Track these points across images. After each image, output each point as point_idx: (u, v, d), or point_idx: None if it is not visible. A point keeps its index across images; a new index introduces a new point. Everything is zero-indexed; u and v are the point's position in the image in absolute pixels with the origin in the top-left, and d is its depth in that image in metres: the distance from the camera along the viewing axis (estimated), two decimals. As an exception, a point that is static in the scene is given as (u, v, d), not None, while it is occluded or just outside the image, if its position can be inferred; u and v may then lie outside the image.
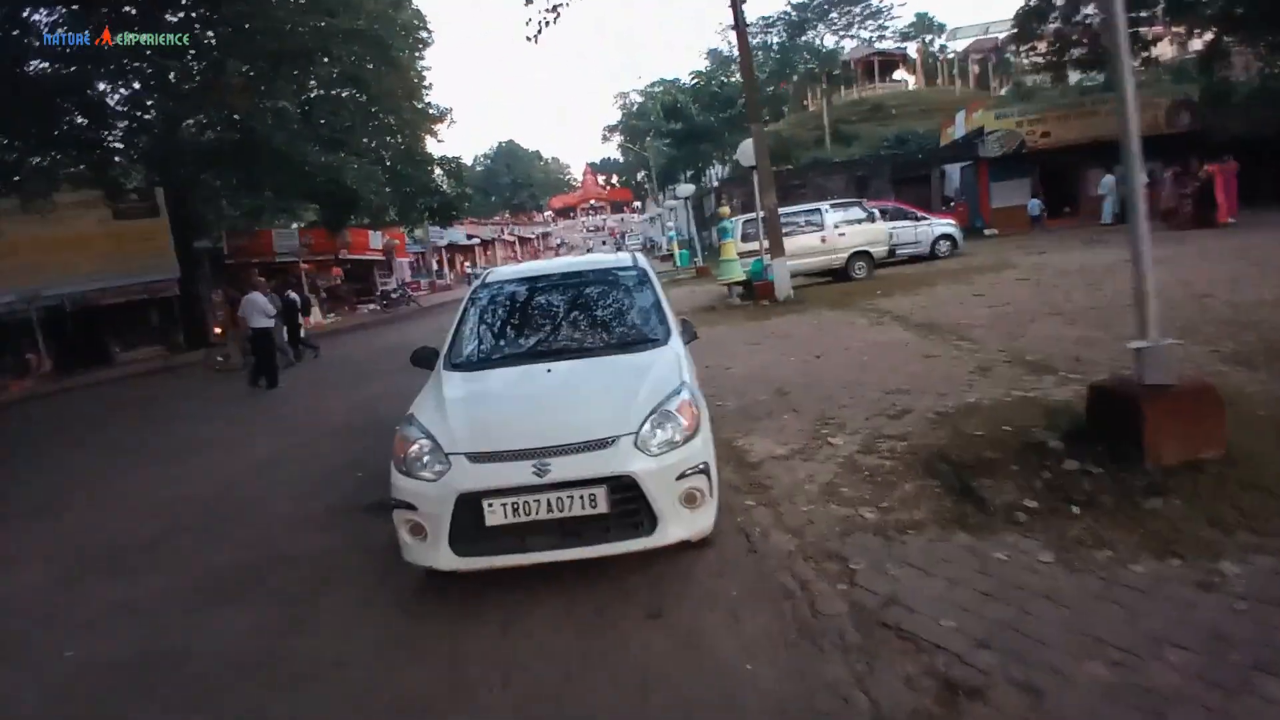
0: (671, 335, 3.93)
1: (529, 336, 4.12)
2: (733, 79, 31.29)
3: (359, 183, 18.87)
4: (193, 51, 16.92)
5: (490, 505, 2.90)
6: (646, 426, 3.05)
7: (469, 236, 49.96)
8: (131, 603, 3.79)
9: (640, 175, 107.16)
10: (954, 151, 27.18)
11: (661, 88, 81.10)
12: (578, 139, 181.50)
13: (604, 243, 40.85)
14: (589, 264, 4.89)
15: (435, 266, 41.47)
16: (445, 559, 2.97)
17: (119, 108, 18.26)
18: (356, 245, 30.81)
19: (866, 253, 14.18)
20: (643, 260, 4.71)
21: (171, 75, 17.04)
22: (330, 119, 21.48)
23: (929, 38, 61.59)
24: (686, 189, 21.82)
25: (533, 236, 77.18)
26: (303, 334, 14.00)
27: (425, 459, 3.09)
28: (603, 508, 2.91)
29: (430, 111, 26.43)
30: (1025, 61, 39.18)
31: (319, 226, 27.42)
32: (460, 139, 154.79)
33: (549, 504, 2.90)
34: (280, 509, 5.04)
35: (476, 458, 3.00)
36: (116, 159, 20.38)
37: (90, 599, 3.94)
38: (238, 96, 17.00)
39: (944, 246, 16.32)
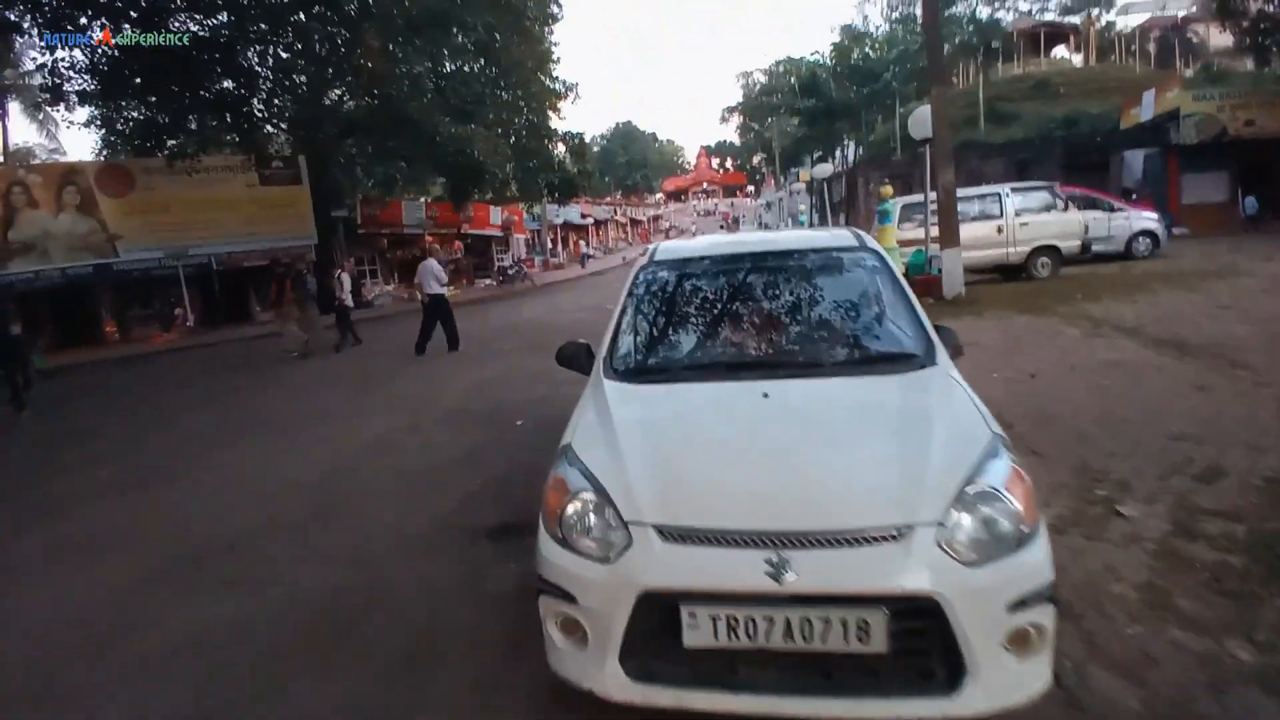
0: (937, 350, 2.67)
1: (725, 339, 2.97)
2: (877, 53, 28.68)
3: (486, 154, 18.50)
4: (335, 18, 17.00)
5: (693, 616, 1.81)
6: (955, 513, 1.84)
7: (583, 216, 49.88)
8: (185, 644, 3.01)
9: (757, 159, 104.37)
10: (1138, 136, 23.56)
11: (784, 67, 77.97)
12: (693, 121, 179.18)
13: (721, 227, 39.12)
14: (795, 240, 3.67)
15: (550, 245, 41.54)
16: (613, 683, 1.91)
17: (265, 73, 18.76)
18: (478, 220, 31.14)
19: (1054, 248, 12.03)
20: (870, 239, 3.46)
21: (315, 40, 17.24)
22: (461, 90, 21.32)
23: (1095, 11, 55.05)
24: (824, 169, 19.96)
25: (644, 219, 76.65)
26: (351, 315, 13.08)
27: (592, 525, 2.04)
28: (877, 644, 1.73)
29: (556, 87, 25.92)
30: (1220, 43, 33.83)
31: (444, 200, 27.80)
32: (579, 119, 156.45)
33: (789, 627, 1.76)
34: (384, 515, 4.24)
35: (673, 534, 1.91)
36: (262, 125, 21.16)
37: (143, 629, 3.17)
38: (376, 60, 16.98)
39: (1142, 244, 13.77)
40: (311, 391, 8.77)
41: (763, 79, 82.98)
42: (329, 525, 4.16)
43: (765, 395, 2.40)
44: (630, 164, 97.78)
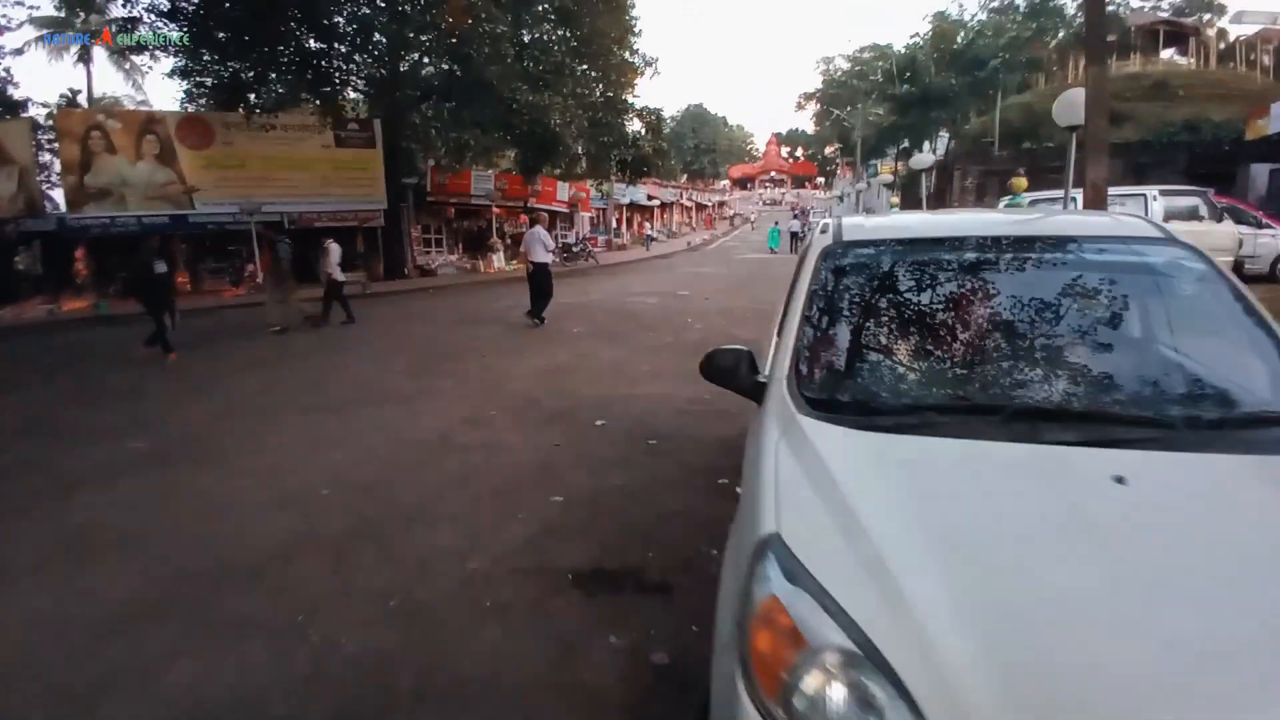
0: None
1: (995, 368, 1.95)
2: (985, 39, 26.47)
3: (563, 125, 17.68)
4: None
5: None
6: None
7: (649, 197, 48.78)
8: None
9: (830, 149, 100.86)
10: (1264, 149, 21.10)
11: (869, 53, 74.45)
12: (765, 108, 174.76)
13: (795, 216, 37.63)
14: (1064, 225, 2.63)
15: (615, 225, 40.69)
16: None
17: (347, 30, 18.34)
18: (545, 195, 30.49)
19: (1198, 262, 10.48)
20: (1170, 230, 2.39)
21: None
22: (540, 57, 20.55)
23: (1206, 16, 50.41)
24: (924, 158, 18.33)
25: (709, 204, 75.04)
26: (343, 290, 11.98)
27: None
28: None
29: (636, 61, 24.90)
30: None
31: (513, 173, 27.20)
32: (653, 97, 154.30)
33: None
34: (441, 540, 3.42)
35: None
36: (342, 85, 20.87)
37: (125, 691, 2.44)
38: (458, 17, 16.31)
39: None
40: (370, 363, 8.14)
41: (845, 65, 79.92)
42: (374, 549, 3.36)
43: (1119, 480, 1.40)
44: (698, 148, 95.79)
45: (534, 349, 8.62)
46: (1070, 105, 9.40)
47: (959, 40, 26.67)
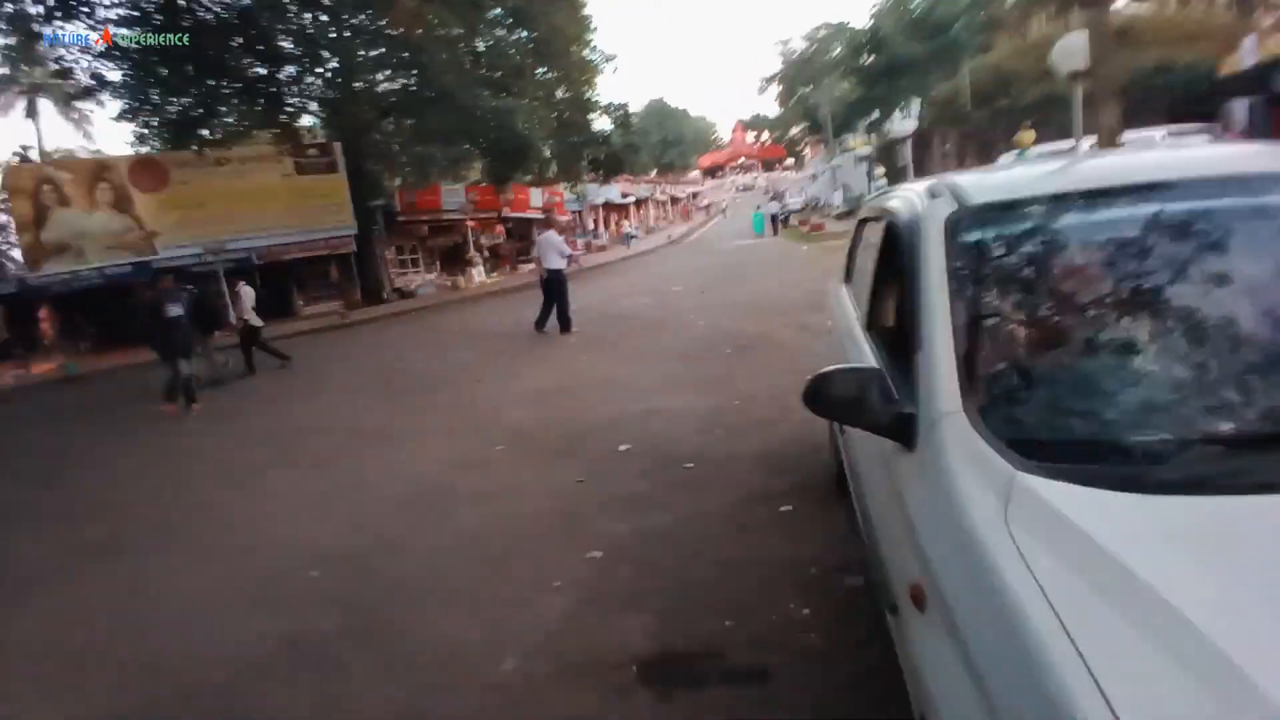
0: None
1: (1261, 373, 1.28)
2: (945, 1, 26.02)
3: (530, 127, 16.97)
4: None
5: None
6: None
7: (623, 195, 48.10)
8: None
9: (794, 130, 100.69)
10: (1239, 84, 20.84)
11: (827, 30, 74.14)
12: (725, 97, 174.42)
13: (772, 199, 37.21)
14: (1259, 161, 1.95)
15: (591, 226, 39.99)
16: None
17: (293, 49, 17.52)
18: (518, 203, 29.77)
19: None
20: None
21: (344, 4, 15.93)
22: (498, 61, 19.83)
23: None
24: (905, 125, 17.79)
25: (684, 196, 74.52)
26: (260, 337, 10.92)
27: None
28: None
29: (595, 58, 24.23)
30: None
31: (483, 184, 26.46)
32: (614, 96, 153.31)
33: None
34: (453, 628, 2.77)
35: None
36: (295, 110, 20.05)
37: None
38: (408, 23, 15.56)
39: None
40: (350, 402, 7.45)
41: (803, 44, 79.60)
42: (376, 653, 2.70)
43: None
44: (665, 141, 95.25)
45: (528, 368, 7.95)
46: (1071, 50, 8.86)
47: (916, 6, 26.14)
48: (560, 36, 20.80)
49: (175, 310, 8.11)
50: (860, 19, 52.66)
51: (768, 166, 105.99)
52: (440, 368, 8.73)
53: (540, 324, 10.06)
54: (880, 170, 20.22)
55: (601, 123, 24.65)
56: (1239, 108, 20.58)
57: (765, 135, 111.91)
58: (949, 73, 30.49)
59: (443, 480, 4.53)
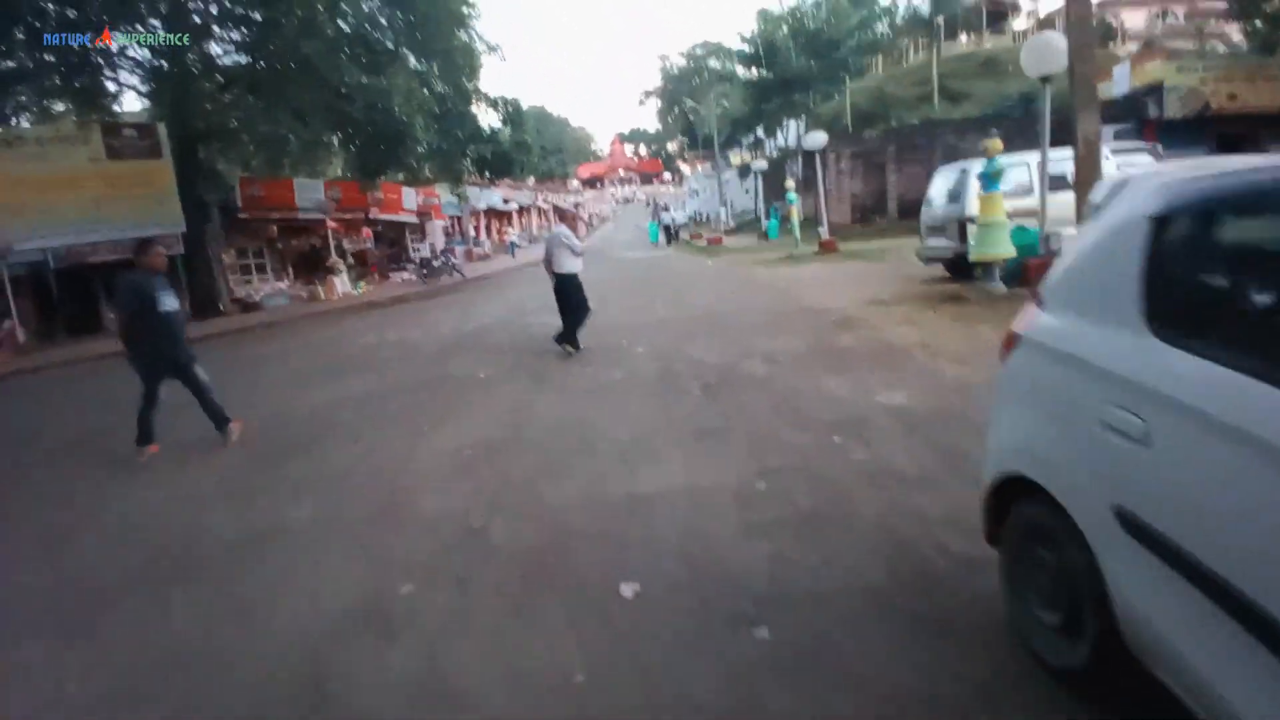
0: None
1: None
2: (835, 20, 26.34)
3: (408, 111, 14.51)
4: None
5: None
6: None
7: (505, 201, 45.54)
8: None
9: (673, 144, 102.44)
10: (1111, 111, 22.55)
11: (704, 49, 75.72)
12: (604, 109, 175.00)
13: (664, 210, 36.58)
14: None
15: (473, 233, 37.16)
16: None
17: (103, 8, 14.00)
18: (389, 204, 26.60)
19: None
20: None
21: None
22: (370, 37, 17.14)
23: None
24: (818, 137, 17.17)
25: (567, 205, 72.86)
26: None
27: None
28: None
29: (478, 47, 21.98)
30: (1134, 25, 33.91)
31: (348, 179, 23.27)
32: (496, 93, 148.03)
33: None
34: None
35: None
36: (106, 79, 16.23)
37: None
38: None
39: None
40: (159, 484, 5.02)
41: (682, 61, 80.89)
42: None
43: None
44: (545, 149, 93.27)
45: (436, 412, 5.87)
46: (1043, 51, 8.12)
47: (810, 21, 26.31)
48: (440, 15, 18.45)
49: (171, 301, 5.30)
50: (732, 41, 53.76)
51: (645, 180, 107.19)
52: (300, 413, 6.39)
53: (565, 337, 7.89)
54: (791, 184, 19.58)
55: (488, 118, 22.47)
56: (1107, 133, 22.26)
57: (643, 149, 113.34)
58: (831, 92, 31.18)
59: (318, 666, 2.49)
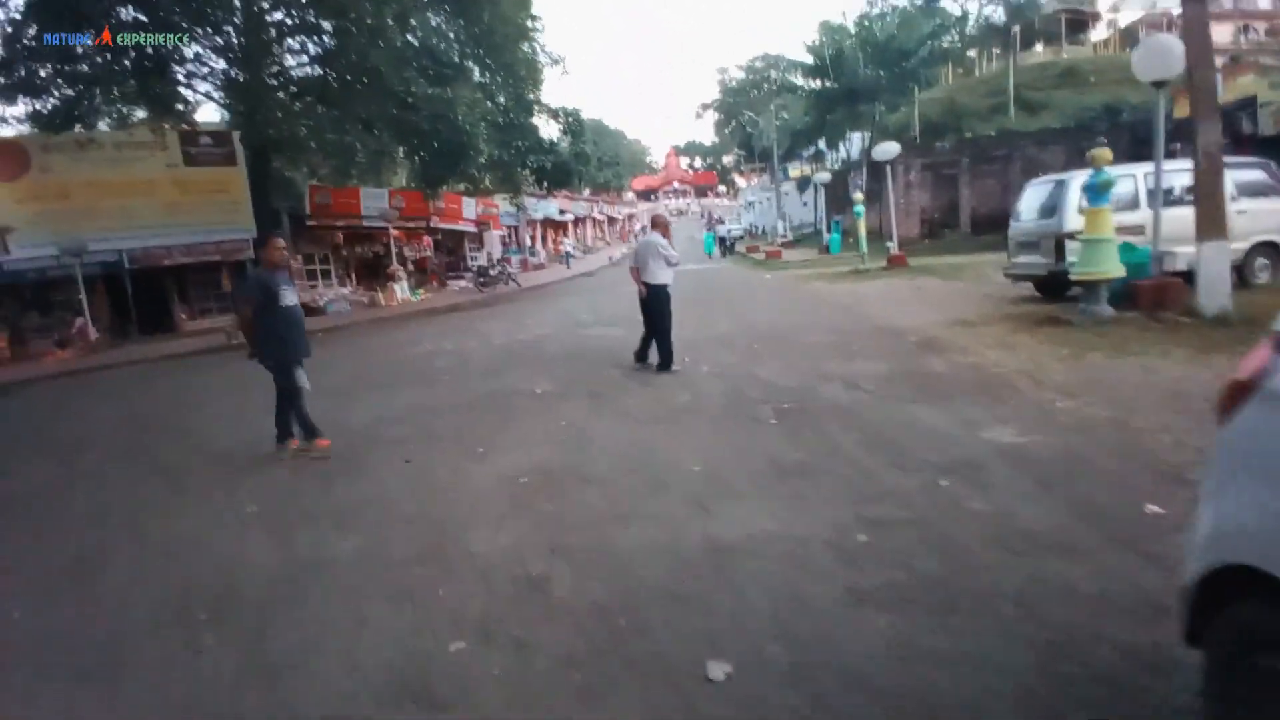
0: None
1: None
2: (903, 31, 25.43)
3: (471, 121, 14.48)
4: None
5: None
6: None
7: (561, 212, 45.86)
8: None
9: (728, 157, 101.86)
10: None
11: (763, 62, 75.05)
12: (659, 121, 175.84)
13: (718, 222, 36.16)
14: None
15: (529, 242, 37.46)
16: None
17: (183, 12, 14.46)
18: (449, 213, 26.99)
19: (1275, 245, 8.80)
20: None
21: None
22: (436, 50, 17.29)
23: (1083, 5, 53.75)
24: (890, 148, 16.39)
25: (620, 217, 73.10)
26: None
27: None
28: None
29: (541, 59, 22.03)
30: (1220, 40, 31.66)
31: (411, 189, 23.63)
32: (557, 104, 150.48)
33: None
34: None
35: None
36: (185, 87, 16.80)
37: None
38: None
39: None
40: (189, 493, 4.81)
41: (740, 75, 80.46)
42: None
43: None
44: (602, 161, 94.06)
45: (488, 431, 5.53)
46: (1160, 54, 7.30)
47: (879, 31, 25.51)
48: (505, 28, 18.54)
49: (292, 296, 5.23)
50: (794, 52, 53.00)
51: (699, 193, 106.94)
52: (350, 423, 6.16)
53: (641, 354, 7.46)
54: (859, 196, 18.82)
55: (548, 129, 22.48)
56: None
57: (698, 161, 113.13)
58: (898, 103, 30.18)
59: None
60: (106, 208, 17.65)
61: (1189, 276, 7.51)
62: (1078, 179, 8.75)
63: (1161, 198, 7.65)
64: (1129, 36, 37.38)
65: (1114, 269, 7.32)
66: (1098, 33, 42.00)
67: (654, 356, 7.34)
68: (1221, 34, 37.20)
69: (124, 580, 3.46)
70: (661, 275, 7.21)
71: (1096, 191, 7.29)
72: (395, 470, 4.74)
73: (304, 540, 3.68)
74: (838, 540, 3.11)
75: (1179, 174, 8.62)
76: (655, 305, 7.19)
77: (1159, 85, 7.48)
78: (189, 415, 7.54)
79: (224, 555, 3.60)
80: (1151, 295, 7.31)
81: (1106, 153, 7.30)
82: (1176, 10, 37.72)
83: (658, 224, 7.76)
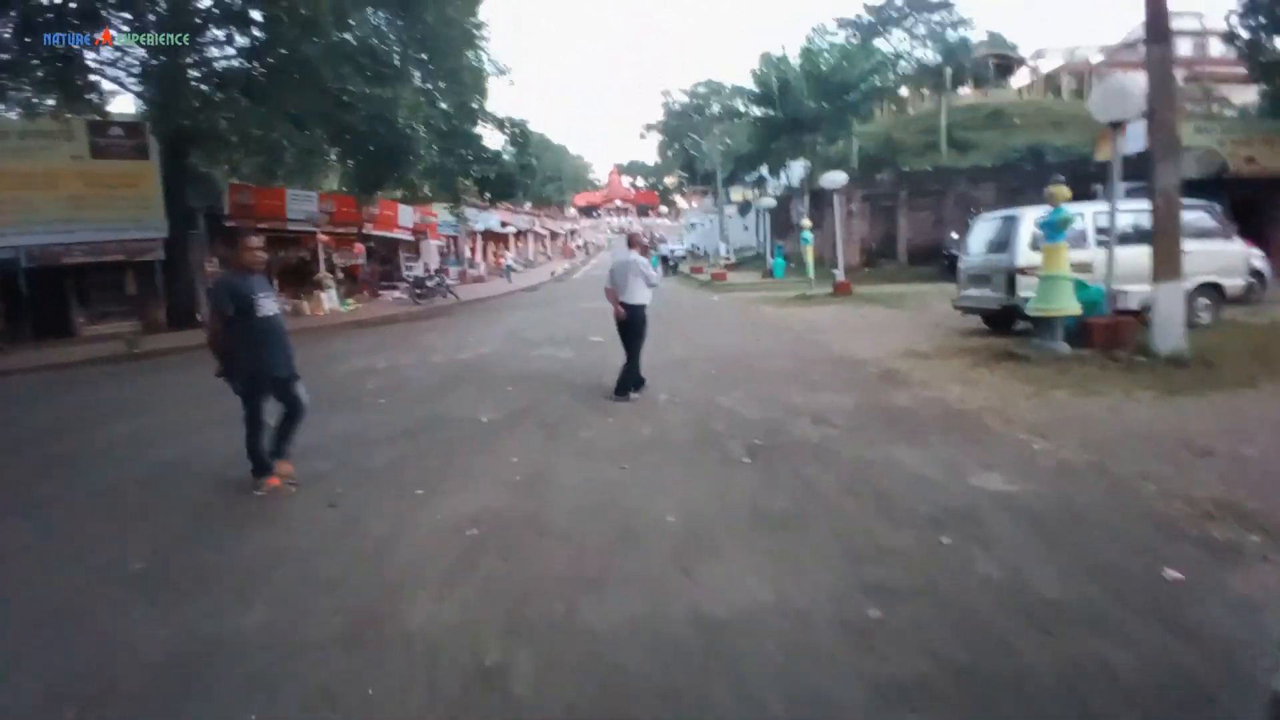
0: None
1: None
2: (848, 64, 26.13)
3: (413, 125, 13.71)
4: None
5: None
6: None
7: (503, 224, 44.92)
8: None
9: (670, 178, 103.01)
10: (1125, 169, 22.43)
11: (706, 88, 76.42)
12: (602, 139, 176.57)
13: (661, 240, 36.22)
14: None
15: (469, 254, 36.36)
16: None
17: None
18: (383, 220, 25.79)
19: (1217, 286, 9.12)
20: None
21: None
22: (376, 49, 16.44)
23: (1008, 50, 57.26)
24: (836, 176, 16.55)
25: (562, 232, 72.55)
26: None
27: None
28: None
29: (486, 68, 21.40)
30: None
31: (343, 193, 22.43)
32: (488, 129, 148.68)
33: None
34: None
35: None
36: (94, 73, 15.33)
37: None
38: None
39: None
40: (56, 542, 4.01)
41: (684, 98, 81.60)
42: None
43: None
44: (545, 176, 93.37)
45: (428, 468, 4.90)
46: (1117, 94, 7.45)
47: (823, 64, 26.14)
48: (450, 32, 17.86)
49: (271, 304, 4.42)
50: (737, 78, 54.05)
51: (641, 211, 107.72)
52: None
53: (622, 386, 6.91)
54: (807, 222, 18.97)
55: (493, 139, 21.83)
56: (1120, 190, 22.08)
57: (640, 181, 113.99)
58: (836, 135, 30.98)
59: None
60: (5, 200, 15.98)
61: (1136, 315, 7.64)
62: (1029, 214, 8.87)
63: (1116, 237, 7.76)
64: (1050, 82, 39.92)
65: (1071, 306, 7.35)
66: (1020, 77, 44.66)
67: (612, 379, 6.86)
68: (1140, 80, 40.18)
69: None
70: (640, 295, 6.86)
71: (1054, 228, 7.32)
72: (317, 515, 4.06)
73: (199, 610, 2.99)
74: (844, 615, 2.70)
75: (1126, 214, 8.85)
76: (633, 326, 6.85)
77: (1116, 125, 7.62)
78: (74, 439, 6.53)
79: (101, 631, 2.88)
80: (1105, 333, 7.37)
81: (1064, 190, 7.37)
82: (1096, 59, 40.23)
83: (635, 243, 7.35)
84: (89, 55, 15.08)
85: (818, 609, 2.75)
